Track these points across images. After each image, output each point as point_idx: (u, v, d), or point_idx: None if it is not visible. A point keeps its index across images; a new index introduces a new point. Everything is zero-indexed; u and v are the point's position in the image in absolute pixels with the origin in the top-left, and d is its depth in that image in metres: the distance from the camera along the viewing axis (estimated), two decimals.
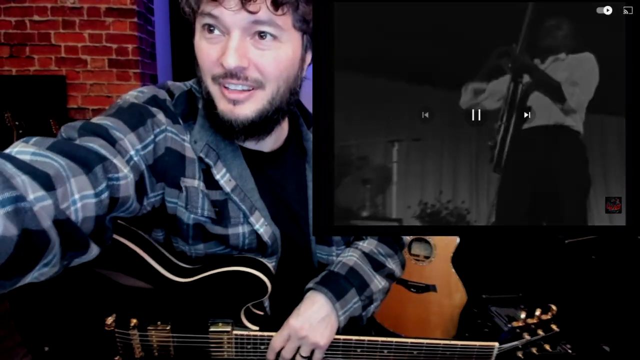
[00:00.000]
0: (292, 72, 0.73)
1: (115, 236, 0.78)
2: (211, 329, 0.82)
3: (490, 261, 2.17)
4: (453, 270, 1.97)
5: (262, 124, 0.74)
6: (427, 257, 2.01)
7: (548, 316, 0.95)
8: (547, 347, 0.94)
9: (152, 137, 0.72)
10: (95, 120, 0.68)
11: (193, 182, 0.76)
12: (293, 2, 0.66)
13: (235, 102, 0.71)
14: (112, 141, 0.64)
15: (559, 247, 1.70)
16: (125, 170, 0.63)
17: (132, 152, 0.67)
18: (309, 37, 0.73)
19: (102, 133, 0.64)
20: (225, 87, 0.70)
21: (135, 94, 0.76)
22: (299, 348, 0.82)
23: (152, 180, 0.73)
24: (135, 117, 0.70)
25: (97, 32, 3.37)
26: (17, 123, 2.92)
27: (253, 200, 0.81)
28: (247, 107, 0.71)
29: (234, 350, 0.83)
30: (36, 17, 3.34)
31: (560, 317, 0.95)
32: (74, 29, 3.36)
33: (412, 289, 2.01)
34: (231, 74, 0.68)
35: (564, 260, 1.69)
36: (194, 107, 0.80)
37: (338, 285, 0.84)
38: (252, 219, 0.80)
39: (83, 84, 3.44)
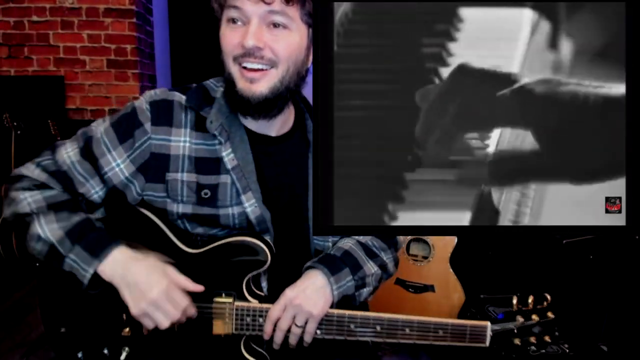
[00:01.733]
0: (300, 56, 0.87)
1: (142, 209, 0.92)
2: (215, 299, 0.88)
3: (488, 261, 2.17)
4: (451, 270, 1.98)
5: (274, 101, 0.86)
6: (425, 258, 2.02)
7: (543, 305, 0.95)
8: (547, 338, 0.93)
9: (139, 145, 0.89)
10: (97, 131, 0.90)
11: (176, 175, 0.89)
12: None
13: (252, 81, 0.84)
14: (97, 164, 0.89)
15: (557, 247, 1.71)
16: (116, 171, 0.89)
17: (120, 161, 0.88)
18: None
19: (94, 154, 0.89)
20: (244, 68, 0.84)
21: (146, 101, 0.91)
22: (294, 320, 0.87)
23: (140, 180, 0.90)
24: (125, 131, 0.89)
25: (96, 33, 3.37)
26: (15, 124, 2.92)
27: (249, 181, 0.90)
28: (262, 85, 0.84)
29: (234, 322, 0.88)
30: (35, 18, 3.34)
31: (558, 317, 0.95)
32: (72, 29, 3.36)
33: (410, 289, 2.01)
34: (249, 53, 0.82)
35: (562, 260, 1.70)
36: (209, 97, 0.93)
37: (333, 263, 0.90)
38: (242, 197, 0.90)
39: (82, 84, 3.43)
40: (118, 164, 0.88)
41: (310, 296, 0.85)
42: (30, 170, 0.88)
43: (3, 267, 2.95)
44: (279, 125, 0.96)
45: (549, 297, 0.96)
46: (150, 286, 0.80)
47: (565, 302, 1.70)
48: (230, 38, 0.83)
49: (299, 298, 0.85)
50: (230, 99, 0.88)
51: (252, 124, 0.93)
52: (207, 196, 0.89)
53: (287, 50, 0.84)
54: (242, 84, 0.85)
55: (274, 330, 0.87)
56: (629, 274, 1.55)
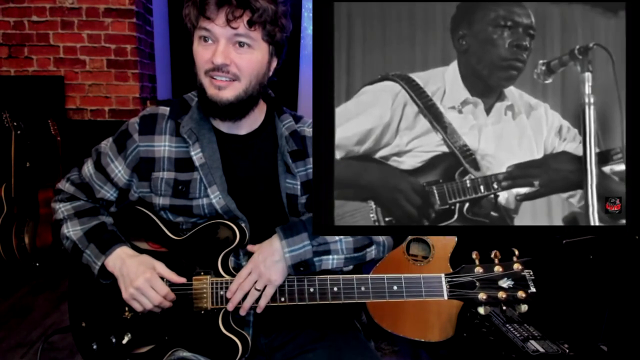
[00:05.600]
0: (261, 70, 1.03)
1: (140, 207, 1.13)
2: (194, 278, 1.01)
3: (488, 261, 2.17)
4: (451, 270, 1.97)
5: (238, 106, 1.02)
6: (425, 258, 2.02)
7: (512, 260, 0.92)
8: (522, 293, 0.88)
9: (130, 152, 1.09)
10: (104, 147, 1.13)
11: (158, 174, 1.07)
12: (262, 22, 0.95)
13: (220, 88, 0.99)
14: (106, 172, 1.12)
15: (557, 246, 1.71)
16: (119, 176, 1.12)
17: (120, 168, 1.10)
18: (274, 47, 1.03)
19: (104, 168, 1.12)
20: (213, 78, 0.99)
21: (138, 117, 1.11)
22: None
23: (135, 180, 1.11)
24: (121, 143, 1.10)
25: (96, 33, 3.38)
26: (15, 123, 2.92)
27: (215, 176, 1.06)
28: (228, 92, 0.99)
29: (210, 296, 1.00)
30: (35, 18, 3.34)
31: (531, 270, 0.92)
32: (72, 29, 3.36)
33: None
34: (218, 68, 0.97)
35: (562, 260, 1.70)
36: (186, 106, 1.11)
37: (293, 226, 1.00)
38: (209, 190, 1.06)
39: (81, 84, 3.44)
40: (119, 170, 1.10)
41: (270, 266, 0.97)
42: (63, 184, 1.17)
43: (3, 267, 2.95)
44: (247, 125, 1.11)
45: (516, 251, 0.94)
46: (137, 275, 0.99)
47: (565, 302, 1.70)
48: (202, 54, 0.98)
49: (261, 267, 0.97)
50: (202, 103, 1.04)
51: (221, 126, 1.10)
52: (182, 190, 1.06)
53: (250, 67, 0.99)
54: (211, 91, 1.00)
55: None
56: (629, 274, 1.55)
